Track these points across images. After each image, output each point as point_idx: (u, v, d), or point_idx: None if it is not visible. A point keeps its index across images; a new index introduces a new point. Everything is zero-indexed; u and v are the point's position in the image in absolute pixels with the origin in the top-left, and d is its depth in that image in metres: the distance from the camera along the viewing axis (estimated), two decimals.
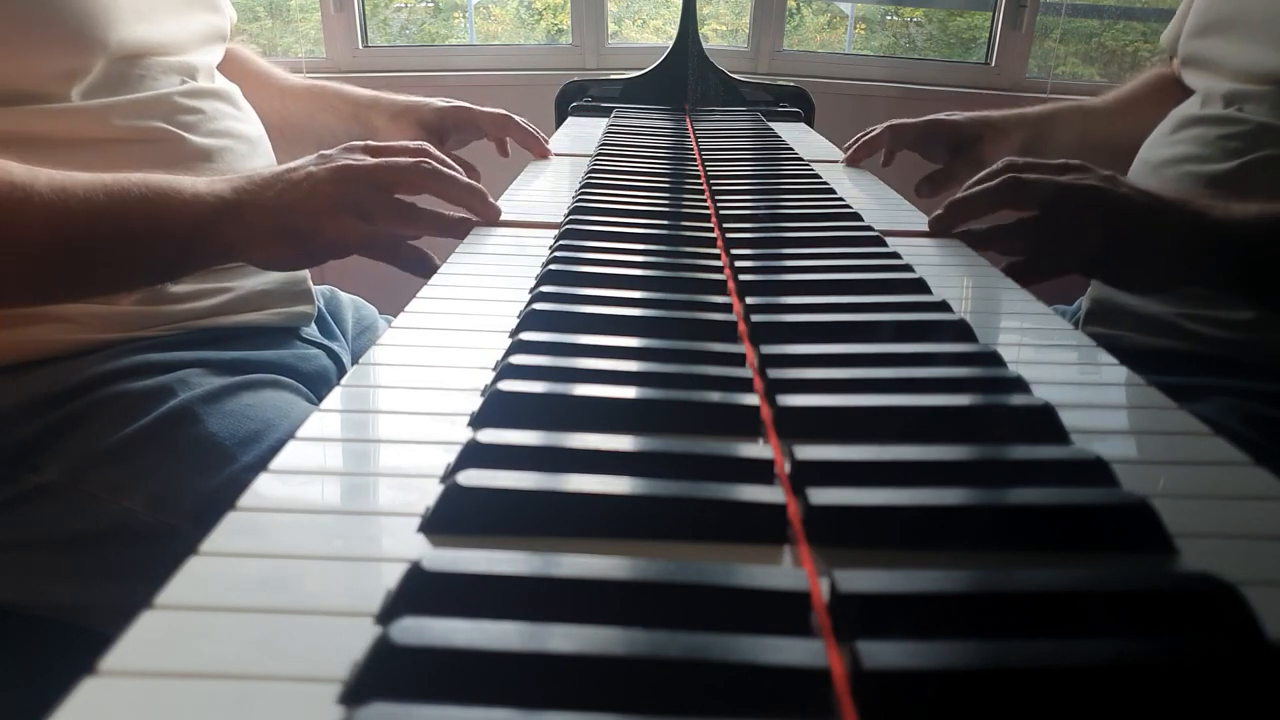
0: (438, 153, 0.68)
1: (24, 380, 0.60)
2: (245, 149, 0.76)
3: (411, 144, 0.68)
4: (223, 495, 0.30)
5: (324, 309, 0.85)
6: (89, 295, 0.62)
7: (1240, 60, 0.76)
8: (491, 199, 0.69)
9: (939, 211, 0.68)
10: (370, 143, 0.66)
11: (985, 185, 0.64)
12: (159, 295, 0.66)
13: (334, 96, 0.98)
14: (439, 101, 0.99)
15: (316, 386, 0.72)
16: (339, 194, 0.60)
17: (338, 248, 0.61)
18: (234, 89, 0.80)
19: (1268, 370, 0.67)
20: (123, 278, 0.61)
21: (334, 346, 0.80)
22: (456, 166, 0.67)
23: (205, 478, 0.57)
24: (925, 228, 0.71)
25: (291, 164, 0.62)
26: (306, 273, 0.81)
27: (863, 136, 1.01)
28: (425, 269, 0.64)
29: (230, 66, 0.90)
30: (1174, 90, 0.93)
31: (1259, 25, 0.74)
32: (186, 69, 0.73)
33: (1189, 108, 0.83)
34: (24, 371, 0.61)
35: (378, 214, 0.61)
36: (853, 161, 1.00)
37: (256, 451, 0.58)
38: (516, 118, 1.01)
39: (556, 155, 1.03)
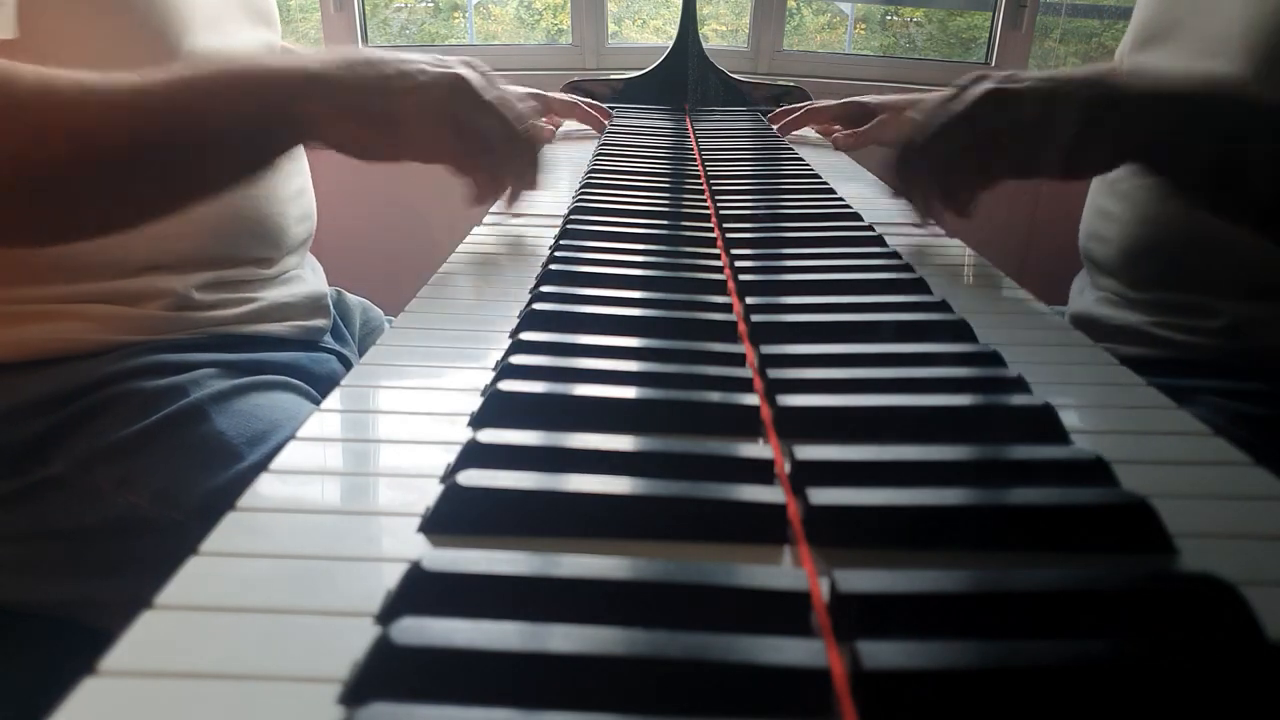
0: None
1: (40, 376, 0.61)
2: (290, 165, 0.76)
3: (526, 90, 0.68)
4: (228, 493, 0.30)
5: (331, 310, 0.85)
6: (176, 205, 0.58)
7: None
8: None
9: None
10: (488, 71, 0.63)
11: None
12: (183, 301, 0.66)
13: None
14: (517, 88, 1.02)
15: (327, 390, 0.72)
16: (448, 99, 0.58)
17: (423, 151, 0.59)
18: None
19: (1248, 371, 0.67)
20: (209, 176, 0.58)
21: (345, 351, 0.80)
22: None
23: (211, 475, 0.57)
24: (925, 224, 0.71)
25: (392, 56, 0.59)
26: (326, 287, 0.81)
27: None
28: (495, 198, 0.63)
29: None
30: None
31: (1193, 36, 0.74)
32: None
33: None
34: (41, 368, 0.61)
35: (484, 136, 0.59)
36: (783, 132, 1.16)
37: (263, 451, 0.59)
38: (582, 101, 1.16)
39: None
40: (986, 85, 0.59)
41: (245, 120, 0.55)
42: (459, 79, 0.59)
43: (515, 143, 0.61)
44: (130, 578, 0.56)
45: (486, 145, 0.60)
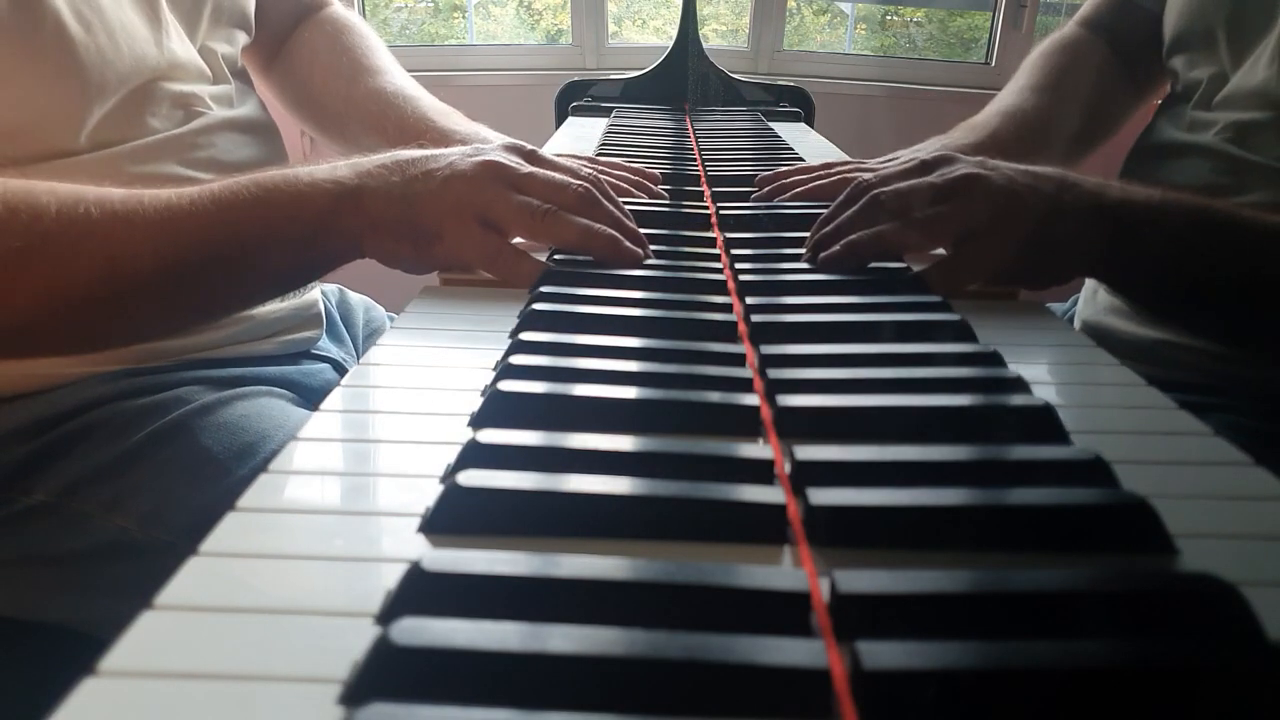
0: (611, 182, 0.58)
1: (19, 407, 0.59)
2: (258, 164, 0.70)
3: (584, 167, 0.59)
4: (218, 509, 0.29)
5: (333, 310, 0.83)
6: (209, 319, 0.57)
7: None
8: (644, 246, 0.56)
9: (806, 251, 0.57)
10: (535, 150, 0.58)
11: (848, 212, 0.55)
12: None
13: (400, 120, 0.81)
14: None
15: (319, 400, 0.70)
16: (470, 192, 0.52)
17: (457, 256, 0.53)
18: (250, 114, 0.74)
19: (1261, 393, 0.66)
20: (245, 294, 0.55)
21: (341, 356, 0.78)
22: (623, 207, 0.57)
23: (199, 492, 0.56)
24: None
25: (437, 150, 0.55)
26: (318, 295, 0.77)
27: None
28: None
29: (322, 38, 0.85)
30: (1087, 52, 0.92)
31: (1228, 46, 0.71)
32: (193, 99, 0.67)
33: (1173, 129, 0.78)
34: (19, 399, 0.59)
35: (509, 222, 0.53)
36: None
37: (252, 464, 0.57)
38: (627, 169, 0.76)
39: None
40: (965, 171, 0.53)
41: (279, 241, 0.51)
42: (487, 164, 0.53)
43: (548, 217, 0.53)
44: (124, 599, 0.55)
45: (527, 221, 0.53)
